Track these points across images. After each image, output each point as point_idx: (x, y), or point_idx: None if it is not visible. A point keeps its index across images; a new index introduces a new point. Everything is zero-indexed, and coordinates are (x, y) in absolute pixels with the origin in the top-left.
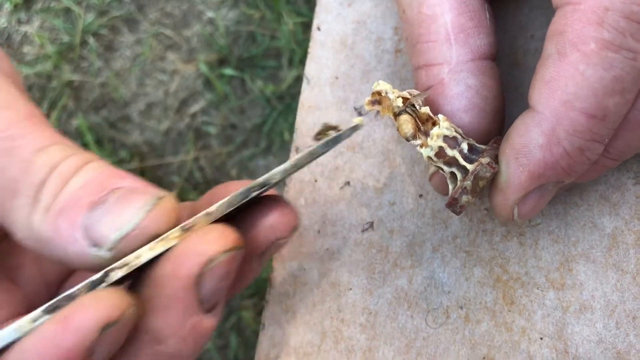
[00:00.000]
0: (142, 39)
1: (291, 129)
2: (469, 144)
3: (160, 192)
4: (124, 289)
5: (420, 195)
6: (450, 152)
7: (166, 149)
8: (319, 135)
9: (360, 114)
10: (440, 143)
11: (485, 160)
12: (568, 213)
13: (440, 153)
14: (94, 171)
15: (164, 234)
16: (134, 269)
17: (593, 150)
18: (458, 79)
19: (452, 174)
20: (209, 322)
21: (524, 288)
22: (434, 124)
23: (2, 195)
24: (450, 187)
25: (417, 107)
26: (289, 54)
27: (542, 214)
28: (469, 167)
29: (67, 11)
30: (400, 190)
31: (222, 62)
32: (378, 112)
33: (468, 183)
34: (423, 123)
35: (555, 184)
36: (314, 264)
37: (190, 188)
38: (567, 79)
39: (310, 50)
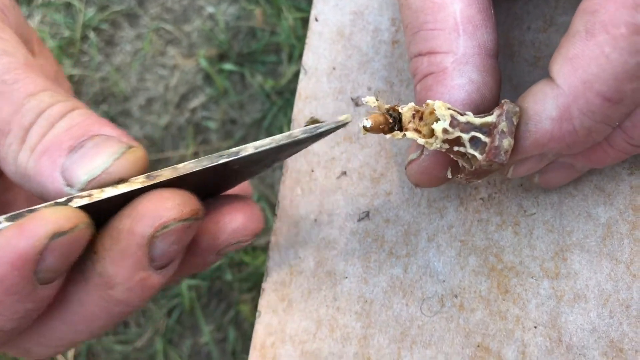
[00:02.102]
0: (142, 34)
1: (290, 123)
2: (470, 113)
3: (133, 142)
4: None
5: (416, 185)
6: (462, 118)
7: (166, 143)
8: (306, 126)
9: (357, 104)
10: (448, 113)
11: (504, 102)
12: (563, 203)
13: (453, 122)
14: (78, 117)
15: (129, 179)
16: (101, 216)
17: (601, 132)
18: (462, 70)
19: (473, 138)
20: (156, 278)
21: (518, 277)
22: (430, 113)
23: None
24: (476, 152)
25: (404, 109)
26: (288, 49)
27: (537, 204)
28: (488, 118)
29: (68, 6)
30: (397, 180)
31: (222, 57)
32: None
33: (503, 124)
34: (416, 118)
35: (555, 154)
36: (310, 252)
37: None
38: (591, 60)
39: (307, 40)
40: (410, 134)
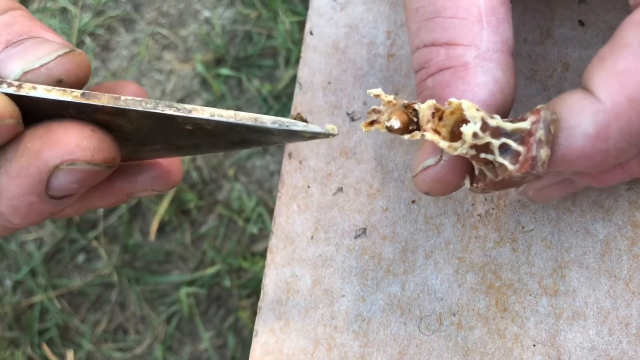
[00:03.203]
0: (138, 39)
1: None
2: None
3: (78, 49)
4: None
5: (413, 201)
6: (493, 122)
7: None
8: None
9: (352, 119)
10: (479, 114)
11: (540, 107)
12: (561, 219)
13: (483, 126)
14: (20, 17)
15: (67, 84)
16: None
17: (628, 154)
18: (486, 67)
19: (503, 145)
20: (46, 207)
21: (516, 294)
22: (452, 112)
23: None
24: (505, 161)
25: (423, 106)
26: (285, 53)
27: (535, 220)
28: (522, 124)
29: (64, 11)
30: (393, 196)
31: (218, 61)
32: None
33: (540, 132)
34: (435, 118)
35: (574, 173)
36: (306, 270)
37: (187, 188)
38: None
39: (302, 54)
40: (429, 135)
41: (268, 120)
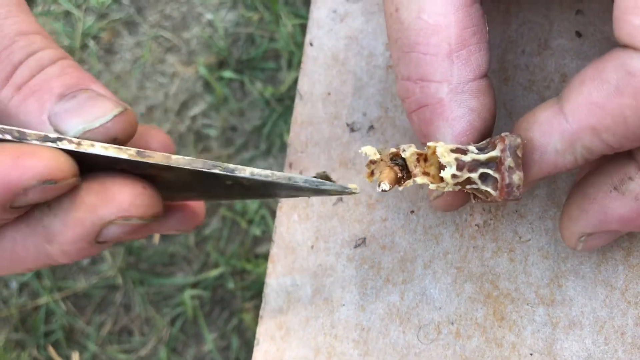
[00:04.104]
0: (141, 42)
1: (289, 128)
2: (473, 146)
3: (129, 107)
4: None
5: (412, 212)
6: (467, 157)
7: None
8: (314, 177)
9: (352, 130)
10: (452, 157)
11: (505, 135)
12: (558, 229)
13: (459, 164)
14: (68, 67)
15: (120, 141)
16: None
17: (596, 156)
18: (460, 100)
19: (482, 175)
20: (93, 250)
21: (514, 304)
22: (433, 153)
23: None
24: (488, 188)
25: (402, 152)
26: (287, 55)
27: (532, 230)
28: (493, 153)
29: (67, 14)
30: (392, 207)
31: (221, 64)
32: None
33: (509, 160)
34: (421, 160)
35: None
36: (307, 279)
37: None
38: (612, 115)
39: (302, 65)
40: (420, 180)
41: (300, 180)
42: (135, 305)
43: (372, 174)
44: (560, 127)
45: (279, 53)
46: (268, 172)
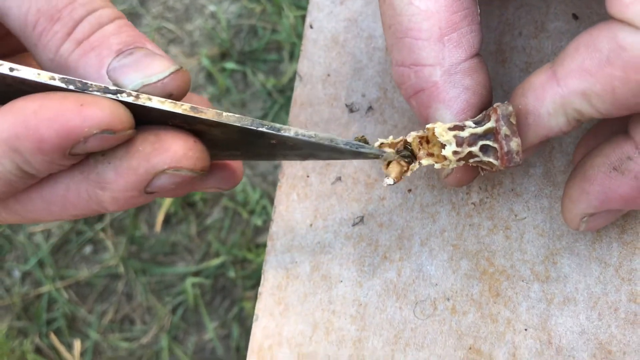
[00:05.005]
0: (144, 33)
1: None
2: (470, 121)
3: (184, 67)
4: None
5: (409, 190)
6: (465, 133)
7: None
8: (354, 140)
9: (351, 110)
10: (450, 135)
11: (497, 106)
12: (553, 207)
13: (458, 141)
14: (125, 26)
15: (175, 97)
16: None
17: (589, 117)
18: (453, 81)
19: (483, 147)
20: (141, 199)
21: (509, 280)
22: (433, 134)
23: (44, 19)
24: (490, 159)
25: (409, 139)
26: (289, 47)
27: (527, 208)
28: (488, 125)
29: None
30: (390, 186)
31: (223, 55)
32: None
33: (504, 129)
34: (423, 143)
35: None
36: (305, 257)
37: None
38: (601, 83)
39: (302, 47)
40: (425, 161)
41: (341, 142)
42: (136, 294)
43: (388, 165)
44: (552, 91)
45: (281, 45)
46: (312, 132)
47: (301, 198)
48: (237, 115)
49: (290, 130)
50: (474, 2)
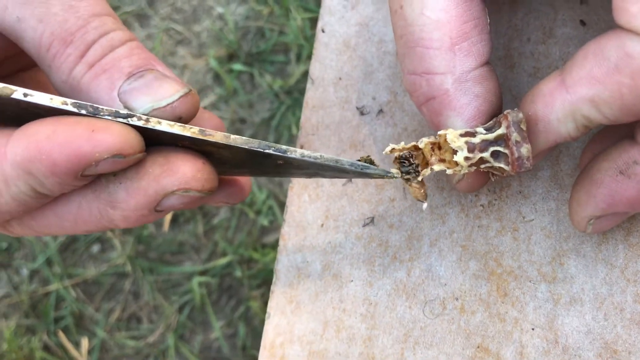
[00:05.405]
0: (152, 34)
1: (299, 123)
2: (481, 127)
3: (193, 89)
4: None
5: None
6: (477, 139)
7: None
8: (358, 160)
9: (362, 113)
10: (462, 141)
11: (507, 112)
12: (560, 209)
13: (470, 147)
14: (136, 48)
15: (184, 120)
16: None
17: (595, 124)
18: (464, 89)
19: (494, 152)
20: (150, 217)
21: (517, 281)
22: (445, 140)
23: (58, 42)
24: (501, 164)
25: (421, 145)
26: (297, 49)
27: (535, 210)
28: (499, 131)
29: None
30: (400, 187)
31: (231, 57)
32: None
33: (515, 135)
34: (435, 149)
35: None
36: (317, 256)
37: None
38: (610, 90)
39: (314, 51)
40: (437, 167)
41: (346, 163)
42: (144, 292)
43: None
44: (562, 97)
45: (288, 46)
46: (317, 154)
47: (312, 199)
48: (244, 138)
49: (296, 152)
50: (484, 12)
